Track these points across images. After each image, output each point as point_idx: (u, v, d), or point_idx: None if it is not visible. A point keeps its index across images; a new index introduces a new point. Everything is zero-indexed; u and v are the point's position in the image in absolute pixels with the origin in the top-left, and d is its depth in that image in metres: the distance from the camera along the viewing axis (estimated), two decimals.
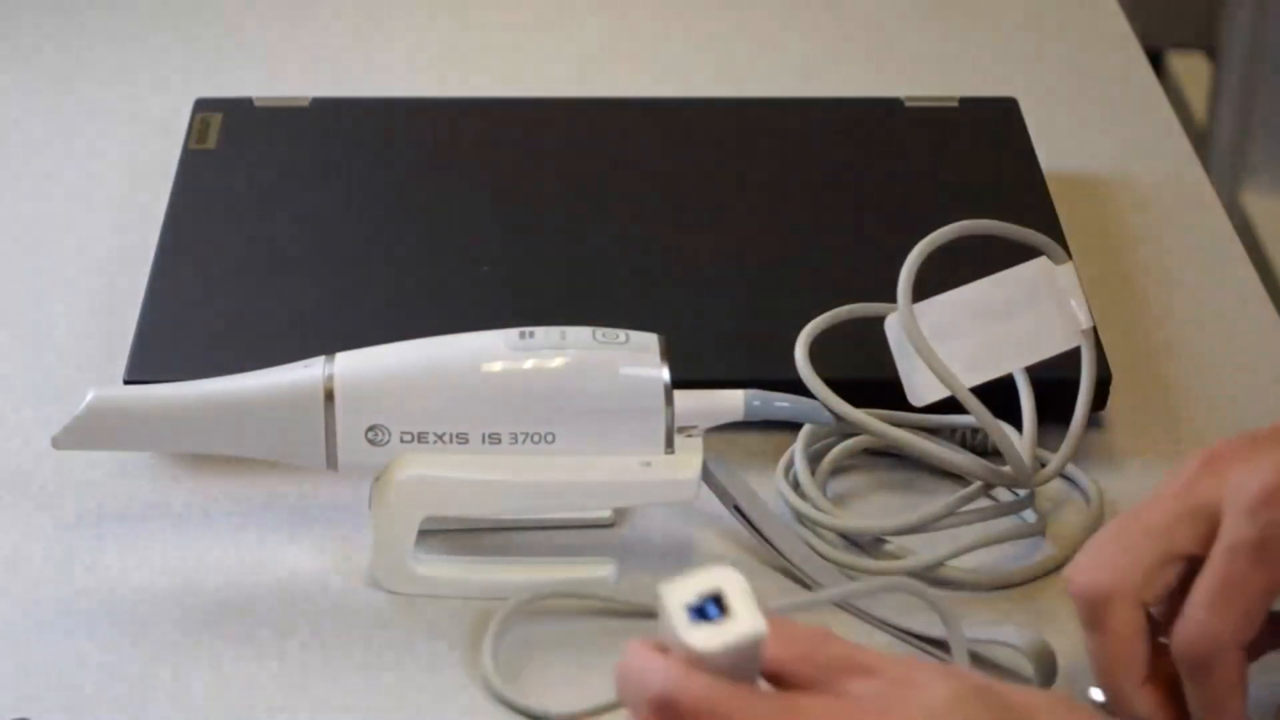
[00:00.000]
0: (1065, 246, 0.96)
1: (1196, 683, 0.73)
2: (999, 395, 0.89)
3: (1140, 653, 0.74)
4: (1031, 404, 0.90)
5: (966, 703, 0.65)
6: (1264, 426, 0.76)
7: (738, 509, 0.87)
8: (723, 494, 0.87)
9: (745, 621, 0.64)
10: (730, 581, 0.65)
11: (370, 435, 0.83)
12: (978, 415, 0.86)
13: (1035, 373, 0.90)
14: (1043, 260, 0.89)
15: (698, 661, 0.64)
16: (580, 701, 0.80)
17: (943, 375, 0.86)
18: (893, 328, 0.88)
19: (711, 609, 0.65)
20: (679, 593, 0.65)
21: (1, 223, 1.10)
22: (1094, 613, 0.74)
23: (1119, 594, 0.73)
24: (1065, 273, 0.89)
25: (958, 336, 0.88)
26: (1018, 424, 0.90)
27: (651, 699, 0.64)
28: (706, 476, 0.85)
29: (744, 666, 0.65)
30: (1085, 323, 0.89)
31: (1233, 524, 0.72)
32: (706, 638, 0.64)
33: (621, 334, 0.84)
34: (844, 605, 0.85)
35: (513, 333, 0.84)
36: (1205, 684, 0.73)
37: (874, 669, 0.66)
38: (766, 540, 0.87)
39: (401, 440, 0.83)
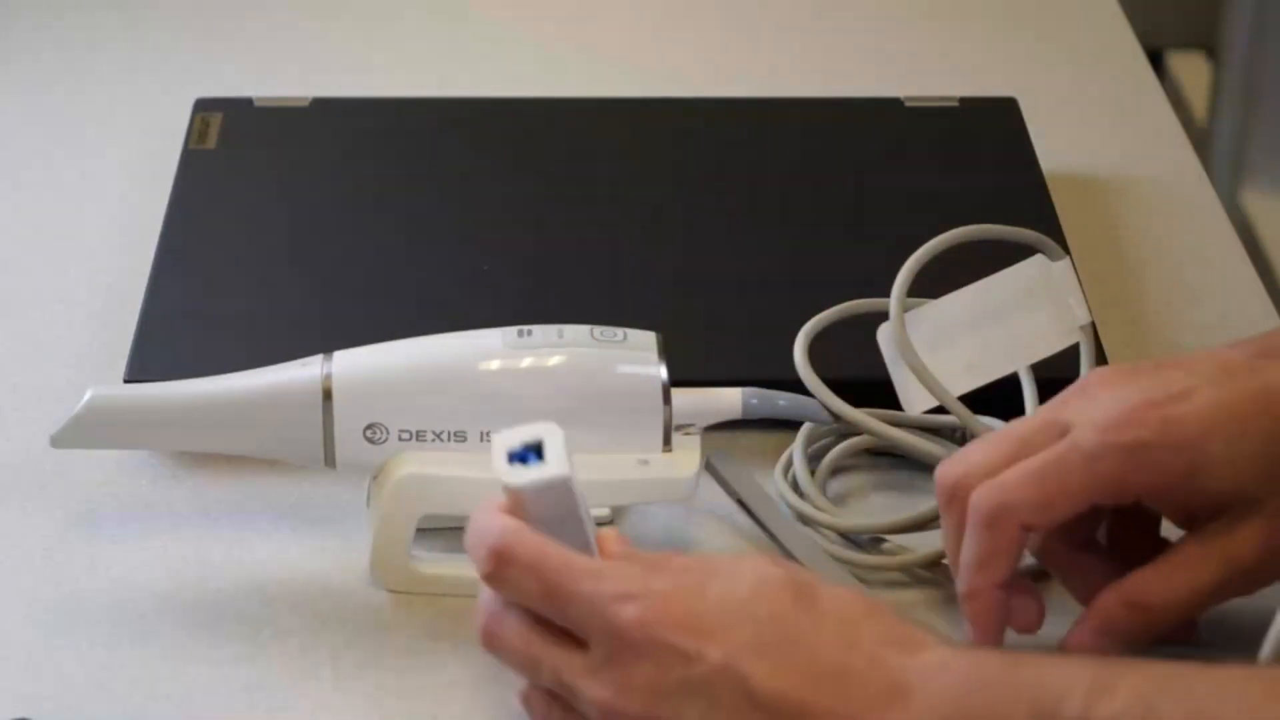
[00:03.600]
0: (1065, 246, 0.96)
1: (975, 533, 0.77)
2: (1000, 395, 0.89)
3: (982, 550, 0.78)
4: (1035, 404, 0.90)
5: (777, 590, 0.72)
6: (1148, 361, 0.81)
7: (741, 503, 0.87)
8: (727, 488, 0.87)
9: (553, 466, 0.73)
10: (551, 434, 0.73)
11: (368, 434, 0.83)
12: (965, 422, 0.87)
13: (1034, 372, 0.90)
14: (1039, 258, 0.89)
15: (518, 502, 0.73)
16: None
17: (931, 385, 0.86)
18: (885, 338, 0.88)
19: (531, 456, 0.73)
20: (506, 440, 0.73)
21: (2, 222, 1.10)
22: (949, 500, 0.79)
23: (969, 481, 0.78)
24: (1062, 269, 0.89)
25: (955, 342, 0.88)
26: None
27: (490, 548, 0.73)
28: (711, 471, 0.86)
29: (564, 514, 0.74)
30: (1083, 319, 0.89)
31: (1078, 432, 0.76)
32: (518, 475, 0.73)
33: (620, 332, 0.84)
34: None
35: (511, 331, 0.84)
36: (982, 538, 0.77)
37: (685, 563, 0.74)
38: (772, 535, 0.87)
39: (400, 438, 0.83)
